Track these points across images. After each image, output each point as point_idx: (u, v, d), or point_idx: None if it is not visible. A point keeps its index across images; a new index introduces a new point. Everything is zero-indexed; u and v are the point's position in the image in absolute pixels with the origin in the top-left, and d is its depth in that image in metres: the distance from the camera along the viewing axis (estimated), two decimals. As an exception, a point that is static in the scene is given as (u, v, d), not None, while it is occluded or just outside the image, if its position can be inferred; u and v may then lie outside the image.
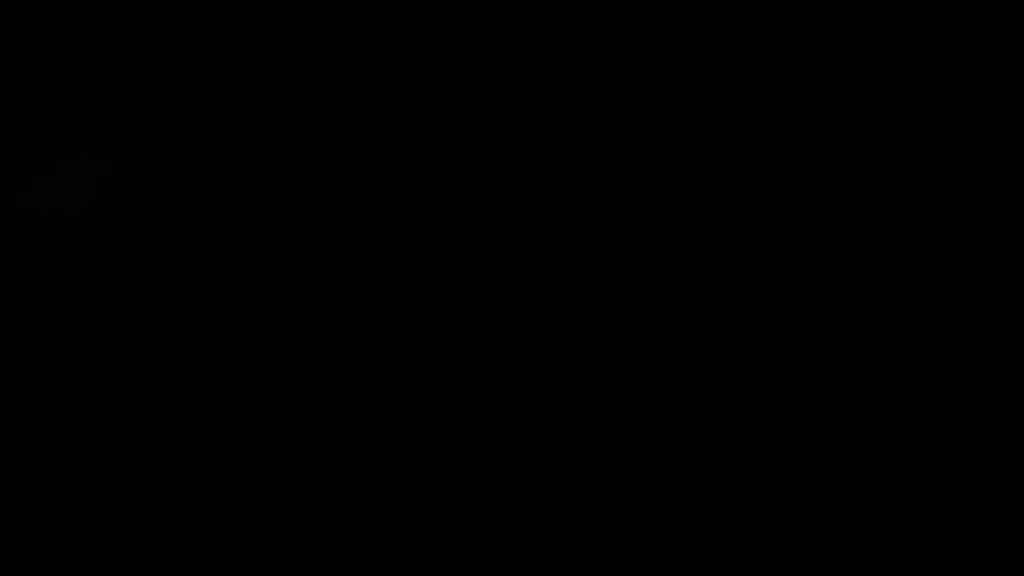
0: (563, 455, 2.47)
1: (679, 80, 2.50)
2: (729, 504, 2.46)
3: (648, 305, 2.49)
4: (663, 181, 2.50)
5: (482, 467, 2.47)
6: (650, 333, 2.49)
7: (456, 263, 2.49)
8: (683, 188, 2.50)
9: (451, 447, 2.47)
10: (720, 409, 2.48)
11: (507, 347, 2.48)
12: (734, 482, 2.46)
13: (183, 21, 2.52)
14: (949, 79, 2.50)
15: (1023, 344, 2.46)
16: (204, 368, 2.47)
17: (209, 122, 2.51)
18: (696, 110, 2.50)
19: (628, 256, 2.50)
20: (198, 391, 2.47)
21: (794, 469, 2.47)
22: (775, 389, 2.48)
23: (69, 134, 2.50)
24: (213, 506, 2.45)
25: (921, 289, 2.48)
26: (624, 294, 2.49)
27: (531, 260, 2.49)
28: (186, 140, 2.51)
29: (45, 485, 2.44)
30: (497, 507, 2.46)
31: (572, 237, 2.49)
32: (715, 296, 2.49)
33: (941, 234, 2.49)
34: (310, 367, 2.48)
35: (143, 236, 2.48)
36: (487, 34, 2.50)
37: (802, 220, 2.50)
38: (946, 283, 2.48)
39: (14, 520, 2.42)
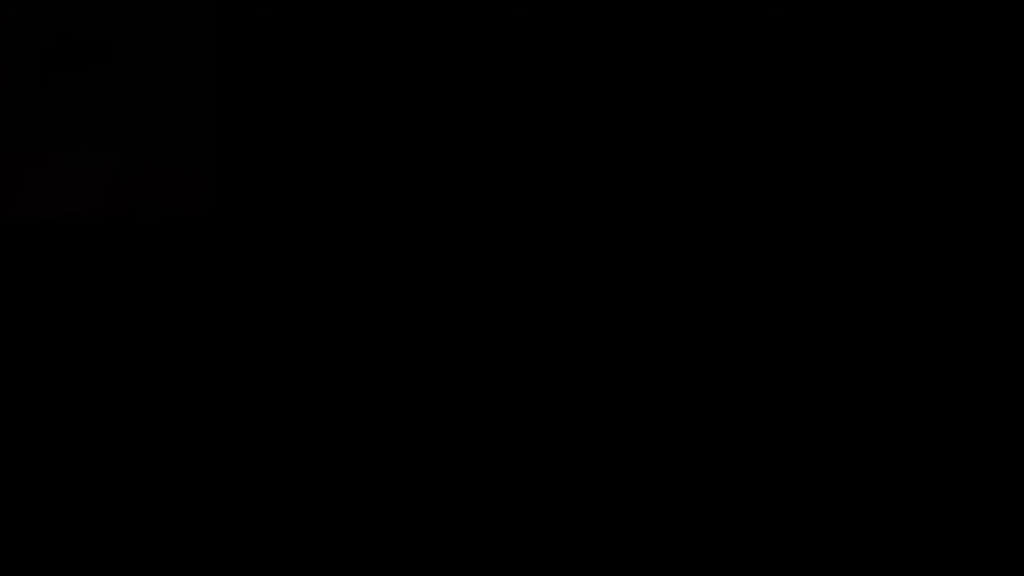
0: (563, 455, 2.47)
1: (679, 80, 2.50)
2: (729, 504, 2.46)
3: (647, 305, 2.49)
4: (663, 181, 2.50)
5: (482, 467, 2.47)
6: (649, 333, 2.49)
7: (456, 263, 2.49)
8: (683, 188, 2.50)
9: (451, 447, 2.47)
10: (720, 409, 2.48)
11: (507, 347, 2.48)
12: (734, 482, 2.46)
13: (183, 21, 2.52)
14: (949, 79, 2.50)
15: (1023, 344, 2.47)
16: (204, 368, 2.47)
17: (209, 122, 2.51)
18: (696, 110, 2.50)
19: (628, 256, 2.50)
20: (198, 391, 2.47)
21: (794, 469, 2.47)
22: (775, 389, 2.48)
23: (69, 134, 2.50)
24: (213, 506, 2.45)
25: (921, 289, 2.49)
26: (623, 294, 2.49)
27: (531, 260, 2.49)
28: (186, 140, 2.51)
29: (45, 485, 2.44)
30: (497, 507, 2.46)
31: (572, 237, 2.49)
32: (715, 296, 2.49)
33: (941, 234, 2.49)
34: (310, 367, 2.48)
35: (143, 236, 2.48)
36: (487, 34, 2.50)
37: (802, 220, 2.50)
38: (946, 283, 2.48)
39: (14, 520, 2.42)
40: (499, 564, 2.45)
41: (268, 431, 2.47)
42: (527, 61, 2.50)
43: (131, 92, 2.51)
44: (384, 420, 2.47)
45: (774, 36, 2.50)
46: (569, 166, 2.50)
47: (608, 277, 2.49)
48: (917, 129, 2.50)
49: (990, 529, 2.44)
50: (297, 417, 2.47)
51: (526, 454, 2.47)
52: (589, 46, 2.50)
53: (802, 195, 2.50)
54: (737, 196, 2.50)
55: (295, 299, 2.49)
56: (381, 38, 2.50)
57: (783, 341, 2.48)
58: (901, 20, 2.49)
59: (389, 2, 2.50)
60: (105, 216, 2.48)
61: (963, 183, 2.49)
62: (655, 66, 2.50)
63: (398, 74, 2.50)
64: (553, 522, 2.45)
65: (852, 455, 2.47)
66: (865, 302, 2.49)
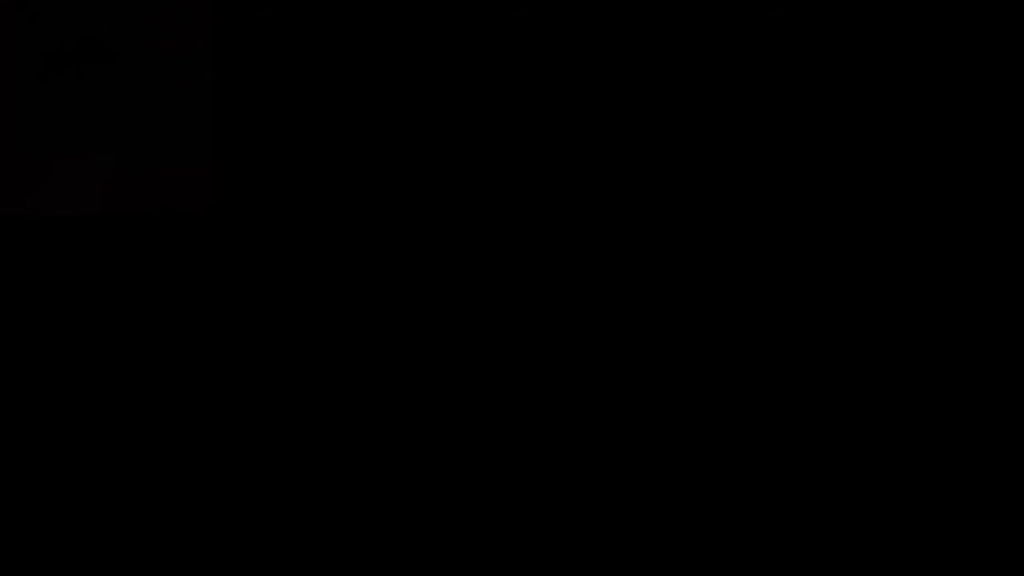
0: (563, 455, 2.47)
1: (679, 81, 2.51)
2: (728, 504, 2.46)
3: (647, 306, 2.49)
4: (663, 182, 2.50)
5: (482, 467, 2.47)
6: (649, 334, 2.49)
7: (457, 262, 2.49)
8: (683, 189, 2.50)
9: (451, 447, 2.47)
10: (719, 409, 2.48)
11: (507, 347, 2.48)
12: (734, 482, 2.47)
13: (183, 21, 2.52)
14: (949, 79, 2.50)
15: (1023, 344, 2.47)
16: (205, 367, 2.47)
17: (209, 122, 2.51)
18: (696, 110, 2.51)
19: (627, 256, 2.50)
20: (199, 390, 2.47)
21: (794, 469, 2.47)
22: (774, 389, 2.48)
23: (70, 134, 2.50)
24: (213, 506, 2.45)
25: (921, 289, 2.49)
26: (623, 294, 2.49)
27: (531, 259, 2.49)
28: (186, 140, 2.51)
29: (46, 485, 2.43)
30: (497, 507, 2.46)
31: (572, 237, 2.49)
32: (714, 296, 2.50)
33: (941, 234, 2.49)
34: (311, 366, 2.48)
35: (143, 236, 2.48)
36: (487, 34, 2.50)
37: (801, 221, 2.50)
38: (946, 283, 2.49)
39: (14, 520, 2.42)
40: (499, 564, 2.45)
41: (269, 430, 2.47)
42: (527, 61, 2.50)
43: (131, 92, 2.51)
44: (385, 419, 2.47)
45: (774, 36, 2.50)
46: (570, 166, 2.50)
47: (608, 278, 2.50)
48: (917, 129, 2.50)
49: (990, 529, 2.44)
50: (298, 416, 2.47)
51: (526, 454, 2.47)
52: (589, 47, 2.50)
53: (802, 195, 2.50)
54: (737, 196, 2.50)
55: (296, 298, 2.49)
56: (381, 38, 2.50)
57: (783, 341, 2.49)
58: (901, 20, 2.50)
59: (389, 2, 2.50)
60: (105, 216, 2.48)
61: (963, 183, 2.49)
62: (655, 67, 2.51)
63: (398, 73, 2.51)
64: (553, 522, 2.45)
65: (852, 455, 2.47)
66: (865, 302, 2.49)
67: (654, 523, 2.45)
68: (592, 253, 2.49)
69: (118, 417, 2.45)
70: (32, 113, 2.50)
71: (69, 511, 2.44)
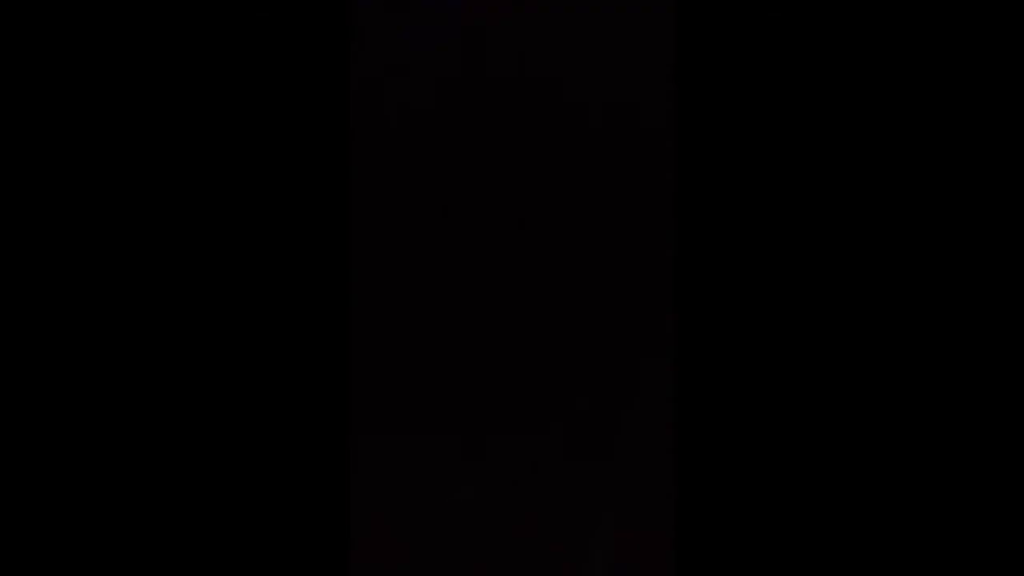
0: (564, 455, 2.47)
1: (679, 79, 2.51)
2: (731, 504, 2.46)
3: (649, 305, 2.49)
4: (664, 180, 2.50)
5: (483, 467, 2.47)
6: (650, 332, 2.49)
7: (457, 262, 2.49)
8: (684, 187, 2.50)
9: (450, 446, 2.47)
10: (722, 409, 2.48)
11: (507, 346, 2.48)
12: (736, 482, 2.46)
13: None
14: (949, 79, 2.50)
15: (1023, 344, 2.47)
16: (205, 368, 2.47)
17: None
18: (698, 109, 2.51)
19: (629, 256, 2.50)
20: (200, 390, 2.47)
21: (796, 469, 2.47)
22: (777, 388, 2.48)
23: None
24: (213, 506, 2.45)
25: (921, 289, 2.49)
26: (625, 294, 2.49)
27: (532, 259, 2.49)
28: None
29: (46, 485, 2.43)
30: (498, 507, 2.46)
31: (572, 237, 2.49)
32: (717, 296, 2.49)
33: (941, 234, 2.49)
34: (310, 366, 2.47)
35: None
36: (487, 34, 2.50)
37: (806, 220, 2.50)
38: (946, 283, 2.48)
39: (14, 520, 2.42)
40: (498, 564, 2.44)
41: (268, 430, 2.47)
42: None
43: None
44: (384, 419, 2.47)
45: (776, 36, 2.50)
46: (569, 166, 2.50)
47: (609, 276, 2.49)
48: (917, 129, 2.50)
49: (990, 529, 2.44)
50: (297, 417, 2.47)
51: (527, 453, 2.47)
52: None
53: (801, 192, 2.50)
54: (737, 194, 2.50)
55: (296, 298, 2.49)
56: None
57: (785, 341, 2.49)
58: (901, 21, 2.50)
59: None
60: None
61: (963, 183, 2.49)
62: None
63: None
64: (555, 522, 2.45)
65: (854, 455, 2.47)
66: (866, 302, 2.49)
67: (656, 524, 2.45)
68: (593, 253, 2.49)
69: (119, 417, 2.45)
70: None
71: (69, 511, 2.43)
